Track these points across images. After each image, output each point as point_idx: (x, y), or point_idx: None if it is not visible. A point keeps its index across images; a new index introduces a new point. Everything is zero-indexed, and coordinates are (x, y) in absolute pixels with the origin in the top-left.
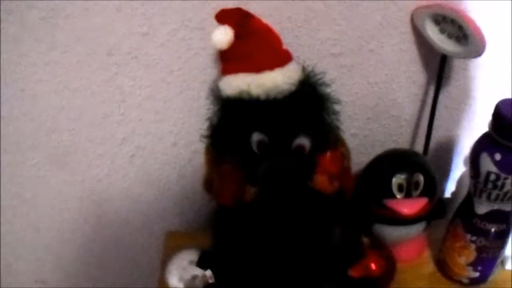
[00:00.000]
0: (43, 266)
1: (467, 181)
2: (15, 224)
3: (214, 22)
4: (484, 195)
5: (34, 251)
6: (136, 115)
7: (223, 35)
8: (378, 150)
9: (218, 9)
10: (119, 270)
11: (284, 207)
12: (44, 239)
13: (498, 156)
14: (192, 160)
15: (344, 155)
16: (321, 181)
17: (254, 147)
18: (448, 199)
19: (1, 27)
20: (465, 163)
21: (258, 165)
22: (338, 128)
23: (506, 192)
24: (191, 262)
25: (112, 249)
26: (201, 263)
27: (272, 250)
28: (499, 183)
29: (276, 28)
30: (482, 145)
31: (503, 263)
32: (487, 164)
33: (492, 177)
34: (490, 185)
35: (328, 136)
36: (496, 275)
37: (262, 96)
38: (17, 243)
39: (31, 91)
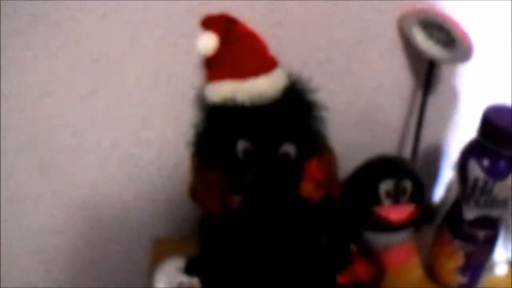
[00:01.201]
0: (32, 272)
1: (455, 186)
2: (3, 231)
3: (200, 29)
4: (472, 201)
5: (23, 258)
6: (123, 122)
7: (208, 42)
8: (365, 156)
9: (204, 15)
10: (107, 276)
11: (270, 215)
12: (33, 246)
13: (486, 162)
14: (179, 166)
15: (331, 162)
16: (308, 188)
17: (240, 154)
18: (436, 204)
19: None
20: (453, 168)
21: (243, 172)
22: (324, 135)
23: (494, 198)
24: (178, 269)
25: (100, 255)
26: (188, 270)
27: (259, 258)
28: (487, 188)
29: (262, 34)
30: (470, 151)
31: (491, 268)
32: (475, 170)
33: (480, 183)
34: (478, 191)
35: (314, 143)
36: (484, 280)
37: (248, 103)
38: (5, 250)
39: (18, 98)
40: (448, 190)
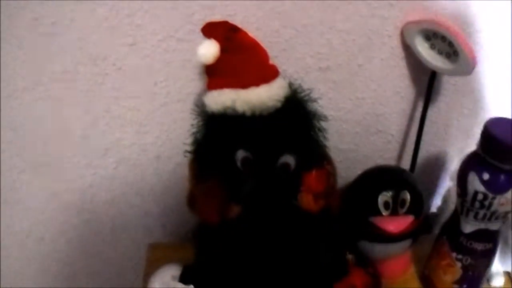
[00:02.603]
0: (26, 277)
1: (453, 197)
2: None
3: (201, 34)
4: (471, 214)
5: (18, 262)
6: (120, 126)
7: (209, 50)
8: (365, 165)
9: (204, 21)
10: (103, 282)
11: (268, 226)
12: (28, 250)
13: (486, 176)
14: (176, 172)
15: (330, 174)
16: (306, 200)
17: (239, 164)
18: (434, 214)
19: None
20: (452, 179)
21: (242, 182)
22: (324, 145)
23: (494, 212)
24: (173, 277)
25: (96, 260)
26: (184, 279)
27: (256, 268)
28: (487, 202)
29: (263, 41)
30: (470, 164)
31: (488, 280)
32: (475, 184)
33: (480, 196)
34: (477, 205)
35: (314, 154)
36: None
37: (248, 113)
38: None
39: (15, 100)
40: (446, 199)
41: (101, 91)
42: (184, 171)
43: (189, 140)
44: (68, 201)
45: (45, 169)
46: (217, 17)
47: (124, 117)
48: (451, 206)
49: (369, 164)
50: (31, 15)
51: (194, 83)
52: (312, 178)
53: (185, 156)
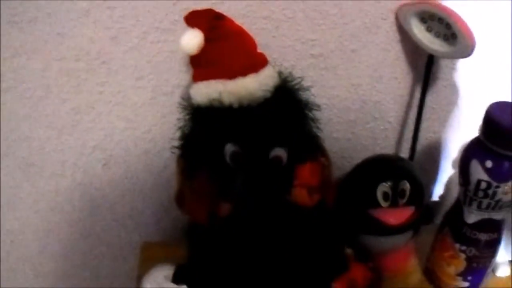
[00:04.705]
0: (19, 277)
1: (455, 185)
2: None
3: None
4: (475, 204)
5: (10, 262)
6: (107, 122)
7: (192, 39)
8: (362, 154)
9: (189, 10)
10: (95, 282)
11: (261, 223)
12: (19, 250)
13: (489, 164)
14: (166, 167)
15: (324, 166)
16: (300, 194)
17: (228, 159)
18: (435, 202)
19: None
20: (453, 166)
21: (232, 178)
22: (318, 136)
23: (498, 201)
24: (166, 277)
25: (88, 260)
26: (176, 279)
27: (251, 267)
28: (490, 191)
29: (251, 28)
30: (472, 151)
31: (494, 270)
32: (478, 172)
33: (483, 185)
34: (481, 194)
35: (307, 146)
36: (486, 282)
37: (235, 105)
38: None
39: None
40: (448, 187)
41: (85, 87)
42: (175, 168)
43: (177, 134)
44: (57, 200)
45: (32, 169)
46: (202, 5)
47: (111, 113)
48: (453, 194)
49: (366, 153)
50: (9, 12)
51: (182, 75)
52: (306, 171)
53: (172, 152)
